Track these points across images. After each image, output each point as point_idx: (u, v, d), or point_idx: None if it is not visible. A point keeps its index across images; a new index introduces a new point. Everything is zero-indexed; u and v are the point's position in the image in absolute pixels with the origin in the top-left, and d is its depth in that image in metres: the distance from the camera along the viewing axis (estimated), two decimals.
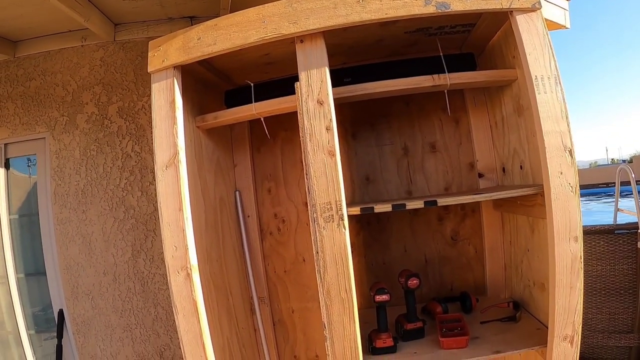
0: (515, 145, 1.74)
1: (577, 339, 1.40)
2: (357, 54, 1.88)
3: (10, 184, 2.67)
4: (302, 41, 1.46)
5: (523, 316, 1.74)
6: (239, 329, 2.01)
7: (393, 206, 1.44)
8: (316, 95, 1.42)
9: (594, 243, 2.88)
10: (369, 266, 2.11)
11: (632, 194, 3.08)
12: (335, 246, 1.38)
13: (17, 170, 2.72)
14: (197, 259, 1.63)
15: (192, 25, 1.74)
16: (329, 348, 1.42)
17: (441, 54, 1.67)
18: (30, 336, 2.66)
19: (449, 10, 1.42)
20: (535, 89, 1.39)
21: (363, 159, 2.11)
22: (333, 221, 1.38)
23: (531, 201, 1.56)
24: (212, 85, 1.98)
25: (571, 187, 1.36)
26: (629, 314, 2.84)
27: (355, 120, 2.11)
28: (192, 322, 1.52)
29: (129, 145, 2.46)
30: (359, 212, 1.45)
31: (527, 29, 1.42)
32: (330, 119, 1.40)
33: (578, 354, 1.41)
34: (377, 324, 1.59)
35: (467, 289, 2.00)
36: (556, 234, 1.35)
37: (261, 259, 2.14)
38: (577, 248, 1.35)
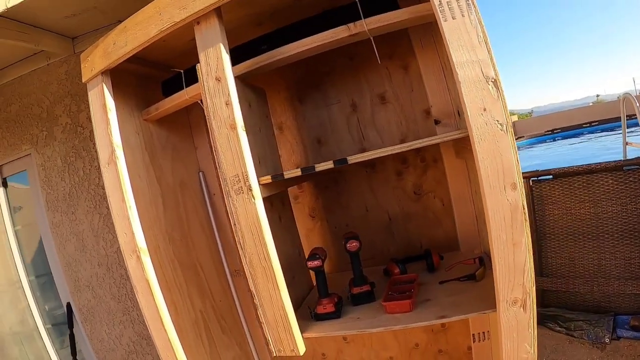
0: None
1: (531, 303, 1.18)
2: (283, 19, 1.79)
3: (10, 199, 2.91)
4: (198, 23, 1.42)
5: (488, 273, 1.52)
6: (215, 301, 2.09)
7: (302, 170, 1.39)
8: (214, 72, 1.39)
9: (601, 182, 2.57)
10: (332, 229, 2.08)
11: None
12: (248, 217, 1.37)
13: (18, 184, 2.94)
14: (158, 241, 1.78)
15: None
16: (261, 315, 1.43)
17: None
18: (47, 330, 2.91)
19: None
20: (440, 16, 1.16)
21: (312, 121, 2.04)
22: (242, 192, 1.36)
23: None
24: (154, 78, 1.99)
25: (500, 124, 1.12)
26: None
27: (300, 83, 2.04)
28: (148, 299, 1.62)
29: None
30: (270, 181, 1.42)
31: None
32: (229, 94, 1.37)
33: (535, 319, 1.20)
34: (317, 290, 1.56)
35: (438, 246, 1.89)
36: (486, 183, 1.14)
37: (232, 234, 2.14)
38: (516, 197, 1.13)
